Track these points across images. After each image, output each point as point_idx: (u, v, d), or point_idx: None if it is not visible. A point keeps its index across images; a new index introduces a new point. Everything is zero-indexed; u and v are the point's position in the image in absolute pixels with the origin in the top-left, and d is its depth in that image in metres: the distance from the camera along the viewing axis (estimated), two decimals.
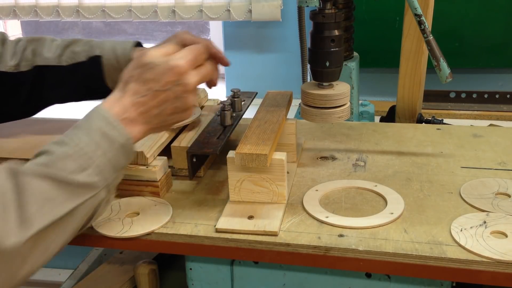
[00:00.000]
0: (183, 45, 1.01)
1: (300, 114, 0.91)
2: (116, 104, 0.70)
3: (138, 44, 1.05)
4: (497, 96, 1.44)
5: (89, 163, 0.65)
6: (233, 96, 1.01)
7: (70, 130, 0.69)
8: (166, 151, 0.90)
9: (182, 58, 0.71)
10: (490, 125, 1.23)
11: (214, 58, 1.02)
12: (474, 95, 1.45)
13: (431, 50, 0.87)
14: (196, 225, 0.77)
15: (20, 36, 2.03)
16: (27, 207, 0.60)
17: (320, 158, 0.97)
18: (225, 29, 1.67)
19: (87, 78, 1.04)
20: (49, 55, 1.02)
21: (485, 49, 1.48)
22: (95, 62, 1.02)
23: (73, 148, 0.65)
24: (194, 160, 0.86)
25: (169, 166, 0.89)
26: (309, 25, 0.87)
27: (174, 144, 0.91)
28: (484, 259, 0.66)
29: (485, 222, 0.73)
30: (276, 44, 1.65)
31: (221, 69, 1.93)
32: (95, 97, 1.08)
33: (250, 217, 0.76)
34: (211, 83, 1.01)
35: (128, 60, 1.00)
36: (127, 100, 0.70)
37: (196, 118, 0.98)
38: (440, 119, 1.19)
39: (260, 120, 0.88)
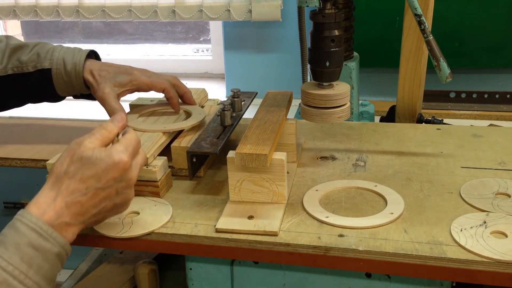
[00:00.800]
0: (138, 88, 1.00)
1: (300, 114, 0.91)
2: (48, 208, 0.61)
3: (92, 54, 1.01)
4: (497, 96, 1.44)
5: (22, 286, 0.58)
6: (233, 96, 1.01)
7: None
8: (166, 151, 0.90)
9: (124, 151, 0.65)
10: (490, 125, 1.23)
11: (182, 97, 1.03)
12: (474, 95, 1.45)
13: (431, 50, 0.87)
14: (196, 225, 0.77)
15: (20, 35, 2.03)
16: None
17: (320, 158, 0.97)
18: (225, 29, 1.67)
19: (36, 89, 1.00)
20: None
21: (485, 49, 1.48)
22: (43, 75, 0.98)
23: (2, 273, 0.57)
24: (194, 160, 0.86)
25: (169, 166, 0.89)
26: (309, 25, 0.87)
27: (174, 144, 0.91)
28: (484, 259, 0.66)
29: (485, 222, 0.73)
30: (276, 44, 1.65)
31: (221, 69, 1.93)
32: (48, 101, 1.06)
33: (250, 217, 0.76)
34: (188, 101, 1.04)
35: (78, 75, 0.97)
36: (62, 203, 0.62)
37: (200, 122, 0.98)
38: (440, 119, 1.19)
39: (260, 120, 0.88)
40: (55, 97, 1.04)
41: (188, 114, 1.01)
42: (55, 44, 1.02)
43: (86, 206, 0.64)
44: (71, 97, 1.07)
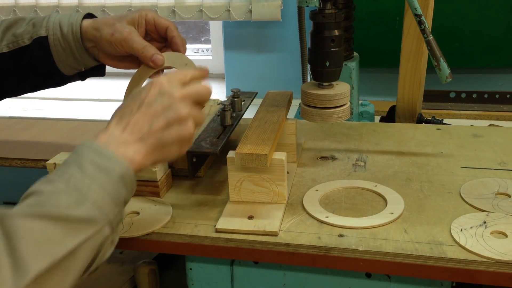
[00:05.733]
0: (147, 24, 0.89)
1: (300, 114, 0.91)
2: (101, 134, 0.64)
3: (89, 15, 0.90)
4: (497, 96, 1.44)
5: (85, 197, 0.58)
6: (233, 96, 1.01)
7: (59, 168, 0.61)
8: None
9: (168, 82, 0.67)
10: (490, 125, 1.23)
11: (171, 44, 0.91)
12: (474, 95, 1.45)
13: (431, 50, 0.87)
14: (196, 225, 0.77)
15: None
16: (20, 251, 0.52)
17: (320, 158, 0.97)
18: (225, 29, 1.67)
19: (34, 64, 0.89)
20: None
21: (485, 49, 1.48)
22: (40, 44, 0.87)
23: (65, 184, 0.58)
24: (194, 160, 0.86)
25: (169, 166, 0.89)
26: (309, 25, 0.87)
27: None
28: (484, 259, 0.66)
29: (485, 222, 0.73)
30: (276, 44, 1.65)
31: (221, 69, 1.93)
32: (51, 84, 0.96)
33: (250, 217, 0.76)
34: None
35: (76, 37, 0.86)
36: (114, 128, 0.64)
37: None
38: (440, 119, 1.19)
39: (260, 120, 0.88)
40: (58, 76, 0.92)
41: None
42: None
43: (134, 119, 0.64)
44: (77, 82, 0.97)
